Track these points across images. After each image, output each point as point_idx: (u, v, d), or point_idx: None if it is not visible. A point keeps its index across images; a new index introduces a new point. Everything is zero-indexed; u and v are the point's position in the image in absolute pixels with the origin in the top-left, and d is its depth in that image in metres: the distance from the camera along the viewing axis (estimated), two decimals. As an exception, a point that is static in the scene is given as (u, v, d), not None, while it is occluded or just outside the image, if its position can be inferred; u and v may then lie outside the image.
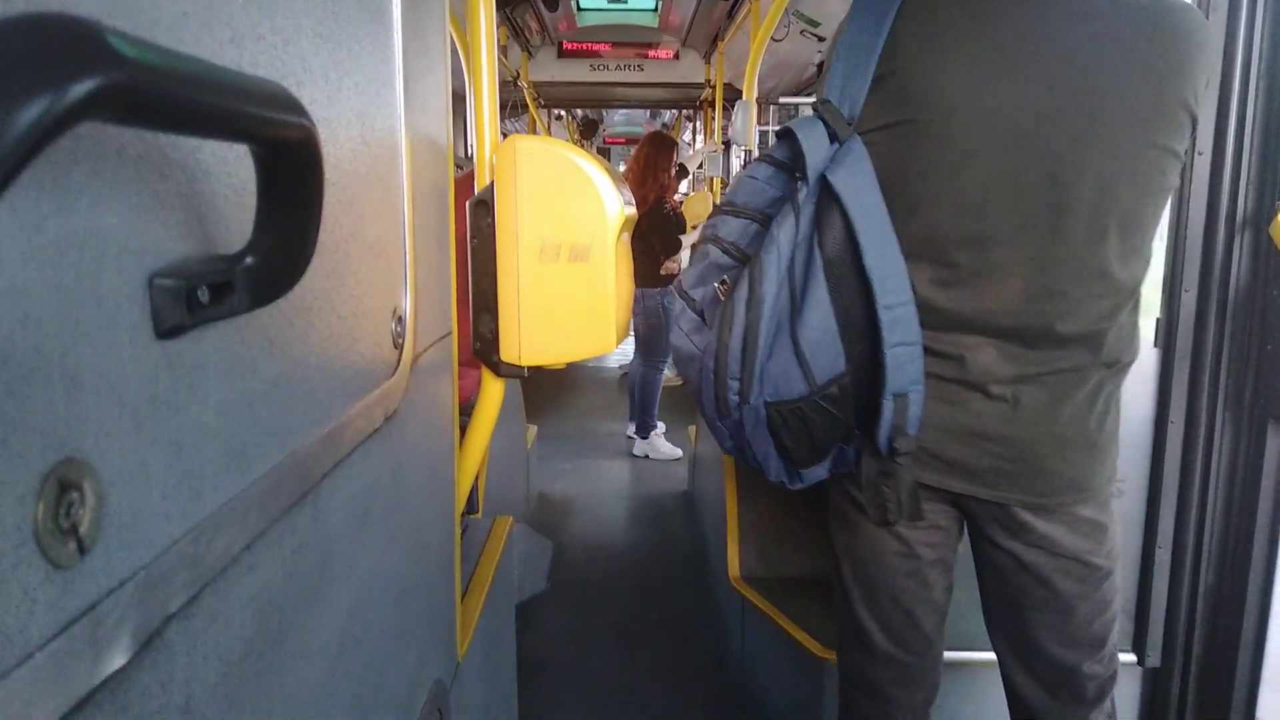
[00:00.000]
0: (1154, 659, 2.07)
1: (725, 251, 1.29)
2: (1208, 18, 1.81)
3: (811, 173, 1.18)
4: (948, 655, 1.47)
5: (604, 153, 15.79)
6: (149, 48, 0.33)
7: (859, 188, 1.16)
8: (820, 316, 1.16)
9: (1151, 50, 1.12)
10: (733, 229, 1.29)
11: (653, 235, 4.45)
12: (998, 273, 1.18)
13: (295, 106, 0.45)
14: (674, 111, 10.42)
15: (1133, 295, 1.23)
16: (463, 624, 1.34)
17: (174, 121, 0.37)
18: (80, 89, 0.28)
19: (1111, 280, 1.18)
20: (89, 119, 0.29)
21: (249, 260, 0.49)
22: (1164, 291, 1.96)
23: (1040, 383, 1.21)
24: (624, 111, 11.74)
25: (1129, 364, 1.26)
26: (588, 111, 10.48)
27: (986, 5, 1.15)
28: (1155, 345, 1.98)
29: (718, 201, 5.90)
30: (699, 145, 9.30)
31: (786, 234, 1.18)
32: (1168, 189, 1.19)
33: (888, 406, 1.18)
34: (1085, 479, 1.25)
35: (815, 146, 1.19)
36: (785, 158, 1.25)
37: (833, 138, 1.20)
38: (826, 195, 1.17)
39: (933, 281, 1.21)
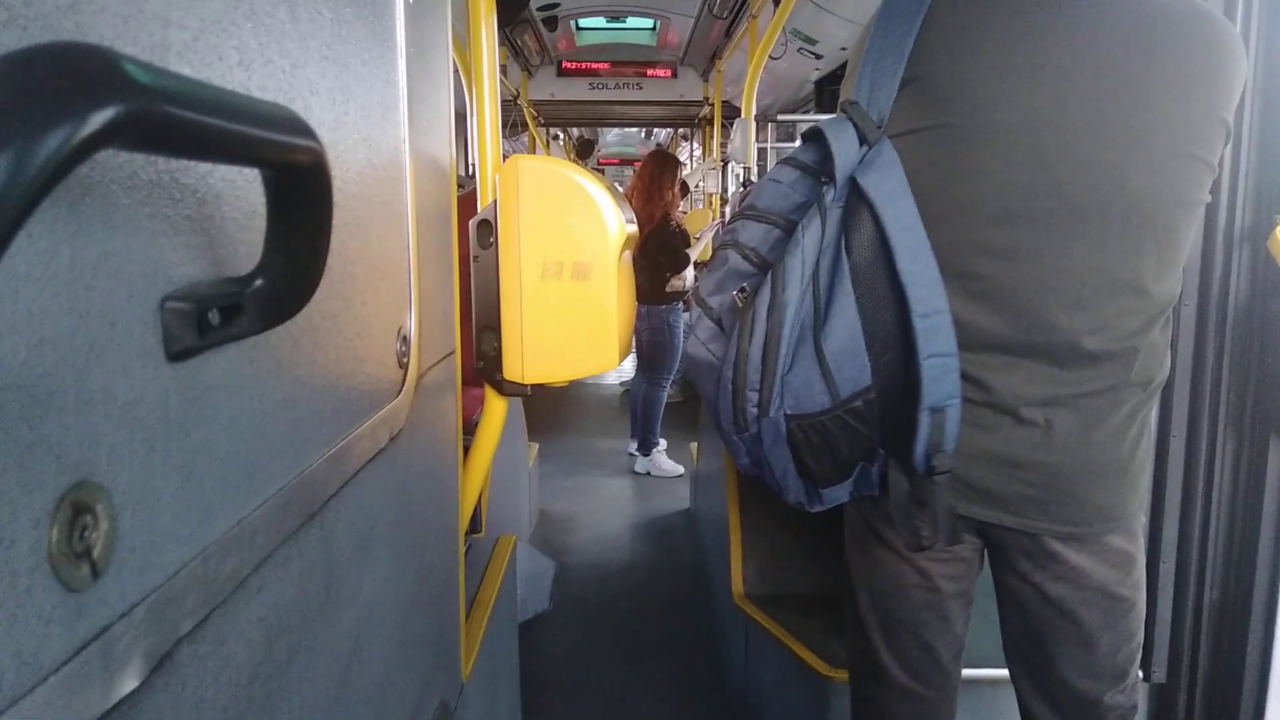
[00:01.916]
0: (1160, 675, 2.06)
1: (745, 257, 1.23)
2: None
3: (840, 174, 1.13)
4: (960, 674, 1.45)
5: (598, 173, 15.87)
6: (165, 75, 0.33)
7: (891, 191, 1.10)
8: (846, 325, 1.11)
9: (1188, 61, 1.09)
10: (754, 234, 1.23)
11: (661, 253, 4.46)
12: (1027, 285, 1.14)
13: (306, 130, 0.46)
14: (669, 131, 10.46)
15: (1164, 311, 1.18)
16: (466, 644, 1.34)
17: (189, 147, 0.37)
18: (100, 117, 0.29)
19: (1145, 295, 1.14)
20: (108, 147, 0.30)
21: (259, 282, 0.49)
22: None
23: (1073, 405, 1.16)
24: (618, 132, 11.80)
25: (1161, 384, 1.22)
26: (584, 132, 10.53)
27: (1020, 11, 1.11)
28: None
29: (716, 217, 5.92)
30: (696, 163, 9.34)
31: (812, 238, 1.13)
32: (1201, 202, 1.15)
33: (924, 421, 1.10)
34: (1118, 507, 1.20)
35: (845, 148, 1.14)
36: (812, 160, 1.20)
37: (863, 140, 1.15)
38: (855, 198, 1.12)
39: (959, 294, 1.15)
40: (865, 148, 1.15)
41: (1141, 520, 1.28)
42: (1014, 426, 1.18)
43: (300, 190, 0.47)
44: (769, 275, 1.16)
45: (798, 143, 1.78)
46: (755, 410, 1.16)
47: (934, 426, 1.11)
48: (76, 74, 0.29)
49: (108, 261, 0.40)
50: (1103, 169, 1.10)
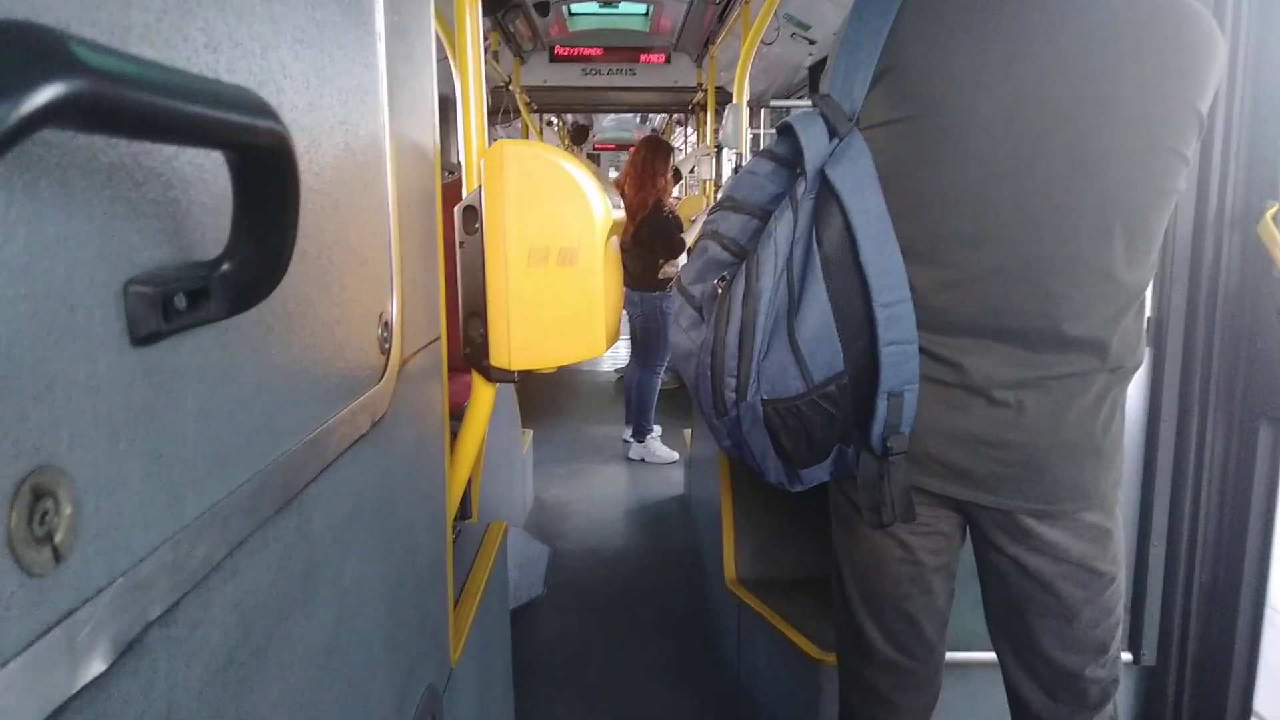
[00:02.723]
0: (1150, 657, 2.07)
1: (725, 247, 1.27)
2: None
3: (810, 168, 1.16)
4: (948, 656, 1.47)
5: (593, 158, 15.89)
6: (112, 55, 0.33)
7: (858, 183, 1.14)
8: (818, 314, 1.15)
9: (1163, 52, 1.10)
10: (732, 225, 1.27)
11: (655, 240, 4.44)
12: (999, 273, 1.16)
13: (267, 111, 0.45)
14: (664, 116, 10.43)
15: (1137, 299, 1.20)
16: (455, 629, 1.34)
17: (140, 129, 0.37)
18: (39, 97, 0.28)
19: (1116, 283, 1.16)
20: (49, 127, 0.29)
21: (226, 267, 0.49)
22: (1154, 291, 1.96)
23: (1044, 388, 1.19)
24: (614, 117, 11.76)
25: (1134, 369, 1.24)
26: (578, 117, 10.49)
27: (995, 2, 1.13)
28: (1147, 344, 1.99)
29: (710, 202, 5.90)
30: (691, 149, 9.31)
31: (784, 229, 1.17)
32: (1174, 192, 1.17)
33: (881, 404, 1.16)
34: (1091, 485, 1.23)
35: (814, 141, 1.17)
36: (786, 153, 1.23)
37: (833, 133, 1.17)
38: (825, 191, 1.15)
39: (934, 281, 1.18)
40: (836, 140, 1.17)
41: (1118, 498, 1.30)
42: (986, 407, 1.20)
43: (265, 173, 0.47)
44: (743, 265, 1.20)
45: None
46: (733, 395, 1.21)
47: (890, 410, 1.17)
48: (18, 52, 0.28)
49: (66, 245, 0.40)
50: (1075, 159, 1.11)
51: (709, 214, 1.33)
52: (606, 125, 13.10)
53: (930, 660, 1.41)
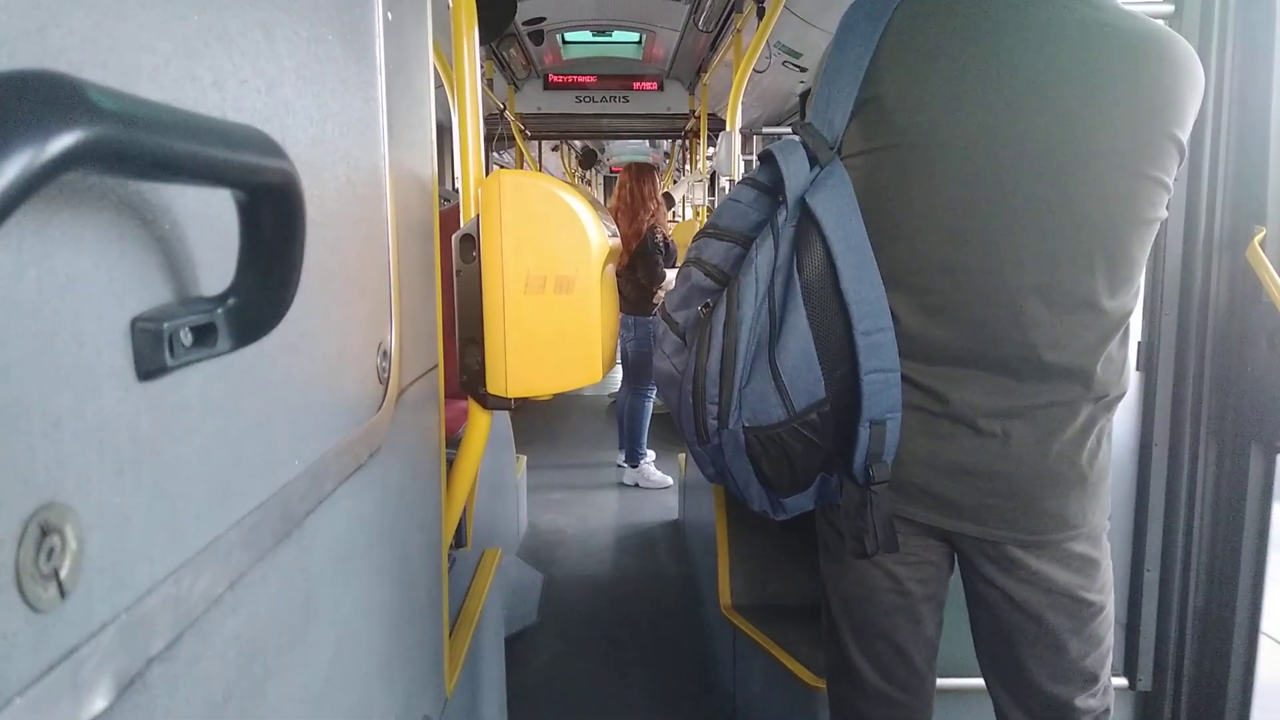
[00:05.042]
0: (1145, 682, 2.07)
1: (708, 274, 1.27)
2: None
3: (791, 196, 1.16)
4: (940, 682, 1.46)
5: (611, 181, 15.90)
6: (129, 100, 0.34)
7: (838, 211, 1.14)
8: (799, 342, 1.15)
9: (1140, 80, 1.11)
10: (715, 252, 1.27)
11: (636, 263, 4.45)
12: (981, 301, 1.16)
13: (275, 150, 0.46)
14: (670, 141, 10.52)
15: (1120, 326, 1.20)
16: (451, 659, 1.33)
17: (155, 171, 0.38)
18: (60, 143, 0.29)
19: (1098, 311, 1.16)
20: (70, 171, 0.30)
21: (231, 302, 0.49)
22: (1145, 316, 1.98)
23: (1030, 417, 1.19)
24: (634, 142, 11.79)
25: (1119, 397, 1.24)
26: (587, 142, 10.55)
27: (973, 32, 1.14)
28: (1138, 369, 2.00)
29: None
30: (687, 174, 9.37)
31: (765, 257, 1.17)
32: (1155, 220, 1.17)
33: (863, 433, 1.16)
34: (1077, 515, 1.23)
35: (795, 170, 1.17)
36: (767, 181, 1.23)
37: (814, 161, 1.18)
38: (806, 219, 1.15)
39: (916, 309, 1.19)
40: (817, 168, 1.18)
41: (1106, 527, 1.29)
42: (972, 437, 1.20)
43: (272, 210, 0.48)
44: (725, 292, 1.21)
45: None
46: (715, 422, 1.20)
47: (873, 438, 1.16)
48: (38, 100, 0.29)
49: (76, 283, 0.40)
50: (1054, 187, 1.12)
51: (693, 240, 1.33)
52: (629, 149, 13.11)
53: (920, 691, 1.40)
